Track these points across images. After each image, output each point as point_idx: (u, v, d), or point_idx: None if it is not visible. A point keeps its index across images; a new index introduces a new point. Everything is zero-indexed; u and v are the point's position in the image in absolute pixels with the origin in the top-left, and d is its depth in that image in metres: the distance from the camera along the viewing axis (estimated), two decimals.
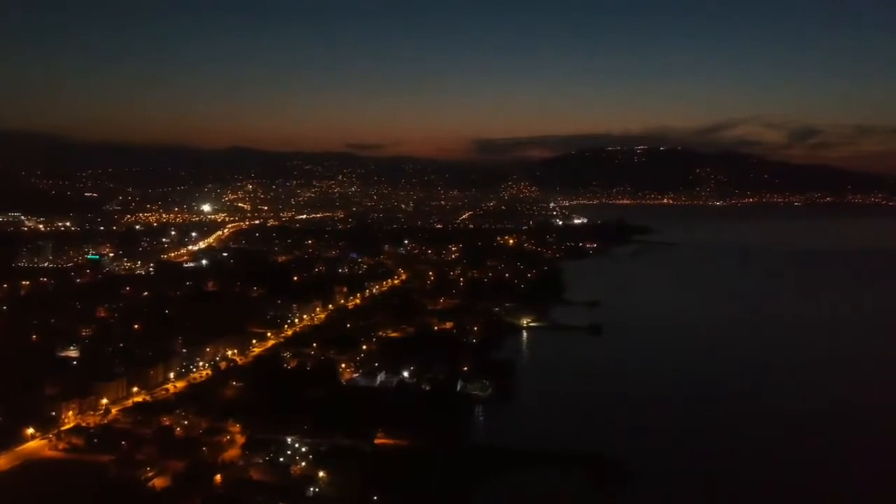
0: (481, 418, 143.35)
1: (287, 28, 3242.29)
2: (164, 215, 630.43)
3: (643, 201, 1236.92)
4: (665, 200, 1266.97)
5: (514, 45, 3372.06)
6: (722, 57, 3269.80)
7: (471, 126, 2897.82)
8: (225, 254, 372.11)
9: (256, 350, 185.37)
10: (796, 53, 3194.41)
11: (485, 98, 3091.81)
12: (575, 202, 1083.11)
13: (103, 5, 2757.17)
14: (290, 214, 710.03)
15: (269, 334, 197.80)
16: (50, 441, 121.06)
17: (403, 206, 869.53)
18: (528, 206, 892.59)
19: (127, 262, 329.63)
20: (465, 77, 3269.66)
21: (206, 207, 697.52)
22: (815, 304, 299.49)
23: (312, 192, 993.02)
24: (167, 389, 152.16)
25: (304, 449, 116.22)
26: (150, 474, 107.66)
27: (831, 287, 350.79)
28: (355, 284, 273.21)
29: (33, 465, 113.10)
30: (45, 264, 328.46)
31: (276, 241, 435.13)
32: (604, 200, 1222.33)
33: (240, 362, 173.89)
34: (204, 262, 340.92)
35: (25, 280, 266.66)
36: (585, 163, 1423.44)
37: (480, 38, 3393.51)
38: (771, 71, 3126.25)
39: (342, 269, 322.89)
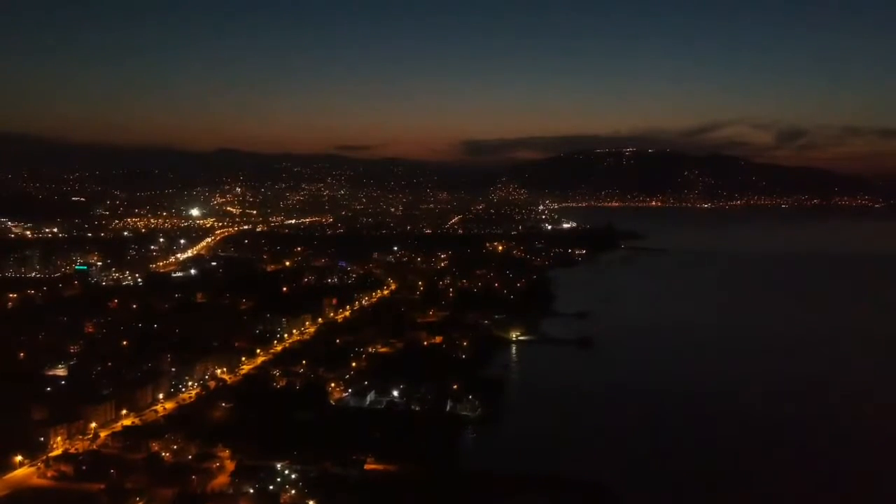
0: (471, 441, 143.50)
1: (275, 30, 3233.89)
2: (152, 220, 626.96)
3: (631, 203, 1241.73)
4: (653, 203, 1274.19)
5: (502, 46, 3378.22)
6: (709, 58, 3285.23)
7: (459, 127, 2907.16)
8: (213, 263, 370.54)
9: (246, 368, 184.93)
10: (783, 55, 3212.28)
11: (473, 99, 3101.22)
12: (563, 205, 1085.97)
13: (89, 7, 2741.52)
14: (279, 219, 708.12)
15: (258, 351, 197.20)
16: (38, 469, 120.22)
17: (392, 209, 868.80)
18: (517, 210, 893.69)
19: (115, 272, 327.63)
20: (454, 78, 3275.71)
21: (195, 211, 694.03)
22: (810, 312, 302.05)
23: (301, 195, 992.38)
24: (156, 411, 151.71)
25: (293, 476, 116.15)
26: None
27: (824, 295, 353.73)
28: (345, 295, 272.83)
29: (22, 496, 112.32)
30: (33, 274, 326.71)
31: (265, 248, 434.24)
32: (592, 203, 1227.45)
33: (229, 381, 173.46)
34: (192, 271, 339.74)
35: (12, 292, 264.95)
36: (574, 165, 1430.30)
37: (468, 39, 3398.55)
38: (758, 72, 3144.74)
39: (331, 279, 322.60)
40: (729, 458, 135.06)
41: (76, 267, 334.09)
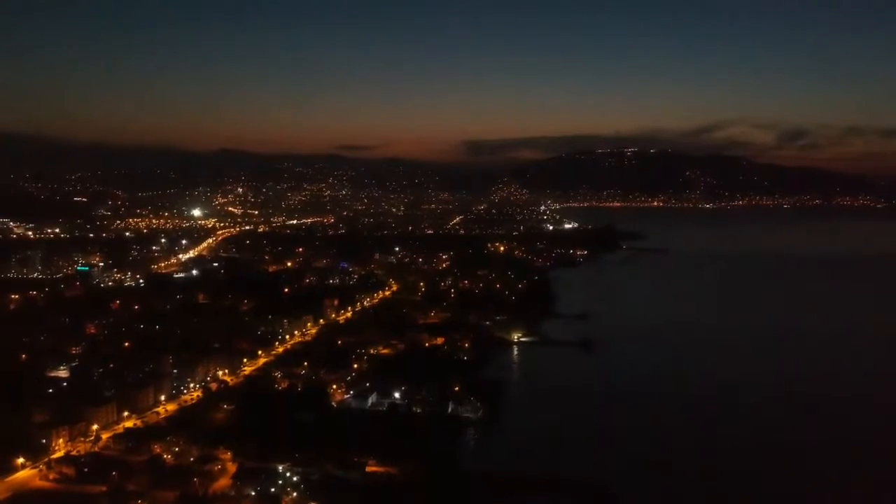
0: (472, 442, 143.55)
1: (276, 30, 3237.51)
2: (153, 220, 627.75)
3: (633, 204, 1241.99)
4: (655, 203, 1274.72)
5: (503, 47, 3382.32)
6: (711, 58, 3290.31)
7: (460, 127, 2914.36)
8: (215, 263, 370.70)
9: (247, 370, 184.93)
10: (784, 55, 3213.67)
11: (474, 99, 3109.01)
12: (565, 205, 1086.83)
13: (90, 7, 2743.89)
14: (280, 219, 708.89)
15: (259, 352, 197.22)
16: (40, 471, 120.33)
17: (394, 209, 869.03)
18: (518, 210, 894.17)
19: (116, 272, 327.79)
20: (454, 78, 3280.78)
21: (196, 212, 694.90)
22: (811, 313, 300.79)
23: (303, 196, 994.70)
24: (158, 413, 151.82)
25: (295, 478, 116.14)
26: None
27: (825, 295, 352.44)
28: (346, 297, 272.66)
29: (24, 498, 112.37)
30: (35, 275, 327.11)
31: (267, 249, 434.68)
32: (593, 203, 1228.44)
33: (231, 383, 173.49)
34: (194, 272, 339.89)
35: (14, 293, 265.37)
36: (575, 165, 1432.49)
37: (469, 40, 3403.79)
38: (759, 72, 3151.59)
39: (332, 280, 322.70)
40: (729, 459, 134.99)
41: (78, 268, 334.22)
